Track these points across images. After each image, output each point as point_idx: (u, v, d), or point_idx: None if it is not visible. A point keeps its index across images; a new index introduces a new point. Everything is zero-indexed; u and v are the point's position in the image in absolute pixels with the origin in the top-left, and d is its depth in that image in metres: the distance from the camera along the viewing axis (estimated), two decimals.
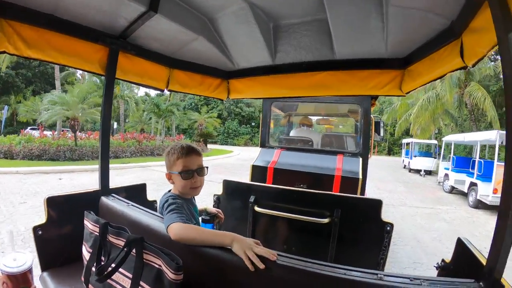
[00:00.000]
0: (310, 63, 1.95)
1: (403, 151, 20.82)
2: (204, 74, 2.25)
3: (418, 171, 16.25)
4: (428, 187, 11.70)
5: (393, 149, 34.49)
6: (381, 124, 4.28)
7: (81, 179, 8.03)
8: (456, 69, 1.30)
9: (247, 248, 0.96)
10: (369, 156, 3.35)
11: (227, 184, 2.21)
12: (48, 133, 15.32)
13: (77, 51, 1.52)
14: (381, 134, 4.25)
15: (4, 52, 1.27)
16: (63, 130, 16.37)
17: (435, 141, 18.32)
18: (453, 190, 10.18)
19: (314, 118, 5.08)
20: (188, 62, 2.12)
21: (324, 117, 5.19)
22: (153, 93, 32.05)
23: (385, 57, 1.76)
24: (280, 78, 2.10)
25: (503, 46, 0.80)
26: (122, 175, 9.19)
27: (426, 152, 17.91)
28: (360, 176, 2.75)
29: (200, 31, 1.66)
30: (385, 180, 12.28)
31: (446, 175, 10.75)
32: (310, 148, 3.62)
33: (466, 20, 1.11)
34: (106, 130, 1.78)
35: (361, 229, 1.87)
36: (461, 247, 1.21)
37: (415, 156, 16.82)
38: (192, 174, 1.29)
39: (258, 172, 3.14)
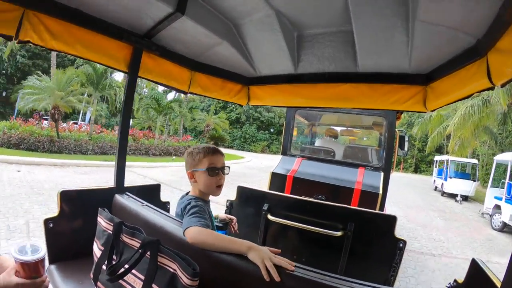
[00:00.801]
0: (333, 74, 1.94)
1: (435, 170, 18.25)
2: (226, 79, 2.26)
3: (453, 196, 13.68)
4: (470, 220, 9.18)
5: (420, 166, 31.96)
6: (406, 139, 4.20)
7: (41, 174, 7.11)
8: (484, 90, 1.28)
9: (265, 257, 0.96)
10: (391, 171, 3.29)
11: (241, 190, 2.20)
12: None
13: (101, 47, 1.53)
14: (405, 149, 4.16)
15: (29, 42, 1.28)
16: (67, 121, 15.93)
17: (475, 161, 15.90)
18: (504, 228, 7.77)
19: (337, 129, 5.06)
20: (211, 66, 2.13)
21: (348, 129, 5.16)
22: (161, 88, 29.75)
23: (408, 72, 1.75)
24: (301, 88, 2.10)
25: None
26: (88, 173, 8.02)
27: (464, 173, 15.31)
28: (381, 191, 2.72)
29: (224, 36, 1.67)
30: (416, 207, 9.99)
31: (497, 206, 8.25)
32: (332, 159, 3.61)
33: (493, 39, 1.10)
34: (125, 128, 1.79)
35: (374, 245, 1.85)
36: (475, 268, 1.17)
37: (450, 177, 14.24)
38: (218, 172, 1.32)
39: (277, 179, 3.16)
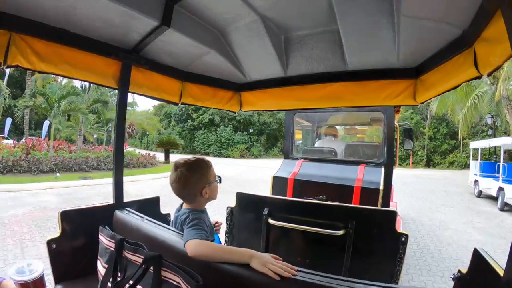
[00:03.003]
0: (322, 75, 1.97)
1: (474, 164, 11.14)
2: (216, 87, 2.28)
3: None
4: None
5: (433, 158, 24.16)
6: (412, 132, 4.22)
7: None
8: (471, 79, 1.29)
9: (268, 262, 0.98)
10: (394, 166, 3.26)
11: (241, 197, 2.19)
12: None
13: (90, 65, 1.54)
14: (412, 142, 4.16)
15: (17, 66, 1.27)
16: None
17: None
18: None
19: (340, 128, 5.08)
20: (200, 75, 2.15)
21: (352, 127, 5.16)
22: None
23: (397, 67, 1.77)
24: (292, 90, 2.12)
25: None
26: None
27: None
28: (381, 187, 2.68)
29: (212, 45, 1.68)
30: None
31: None
32: (333, 158, 3.60)
33: (478, 29, 1.11)
34: (120, 143, 1.80)
35: (376, 241, 1.84)
36: (477, 257, 1.17)
37: None
38: None
39: (278, 183, 3.18)
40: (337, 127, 4.82)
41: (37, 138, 14.81)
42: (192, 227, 1.15)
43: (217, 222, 1.67)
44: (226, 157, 28.10)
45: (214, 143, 29.96)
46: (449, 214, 7.27)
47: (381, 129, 3.43)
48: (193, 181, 1.27)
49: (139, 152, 16.64)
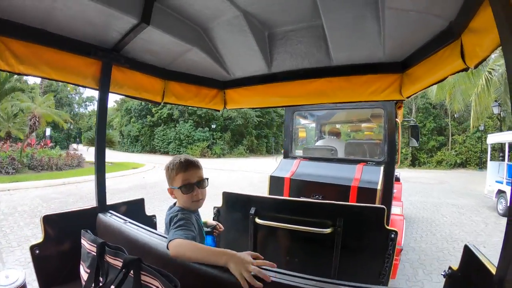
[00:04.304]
0: (307, 70, 1.95)
1: (495, 166, 7.94)
2: (200, 85, 2.24)
3: None
4: None
5: (419, 157, 20.80)
6: (418, 129, 4.22)
7: None
8: (458, 71, 1.28)
9: (242, 270, 0.93)
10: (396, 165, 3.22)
11: (227, 196, 2.17)
12: None
13: (69, 65, 1.50)
14: (418, 139, 4.18)
15: None
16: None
17: None
18: None
19: (346, 125, 5.05)
20: (183, 73, 2.11)
21: (356, 124, 5.12)
22: None
23: (383, 61, 1.75)
24: (277, 87, 2.10)
25: (507, 47, 0.76)
26: None
27: None
28: (379, 187, 2.62)
29: (194, 42, 1.66)
30: None
31: None
32: (332, 157, 3.57)
33: (466, 20, 1.10)
34: (102, 144, 1.76)
35: (365, 238, 1.83)
36: (468, 254, 1.16)
37: None
38: (192, 188, 1.26)
39: (275, 182, 3.16)
40: (341, 125, 4.80)
41: None
42: (178, 227, 1.13)
43: (218, 224, 1.64)
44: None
45: (173, 140, 27.32)
46: None
47: (382, 126, 3.39)
48: (167, 179, 1.32)
49: (59, 151, 14.24)
